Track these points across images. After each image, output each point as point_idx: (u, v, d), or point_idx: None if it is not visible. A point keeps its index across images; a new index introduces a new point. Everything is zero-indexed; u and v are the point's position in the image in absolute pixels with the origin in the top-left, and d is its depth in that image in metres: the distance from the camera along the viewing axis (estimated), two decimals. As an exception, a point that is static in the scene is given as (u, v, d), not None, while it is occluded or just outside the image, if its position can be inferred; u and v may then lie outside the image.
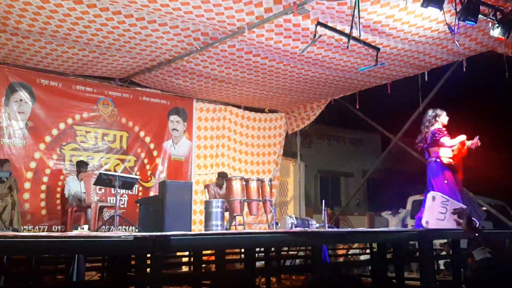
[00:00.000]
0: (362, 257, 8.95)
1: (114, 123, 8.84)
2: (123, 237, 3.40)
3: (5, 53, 7.38)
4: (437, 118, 6.59)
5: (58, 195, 8.06)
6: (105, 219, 7.60)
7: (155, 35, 6.78)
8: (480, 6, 5.59)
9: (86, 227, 6.74)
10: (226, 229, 7.76)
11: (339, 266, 7.11)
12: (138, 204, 7.77)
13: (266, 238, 4.46)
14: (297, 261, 8.52)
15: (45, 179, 7.99)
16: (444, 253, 8.25)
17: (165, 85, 9.10)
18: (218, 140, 10.11)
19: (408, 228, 8.79)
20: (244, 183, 7.89)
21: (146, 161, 9.16)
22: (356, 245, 9.44)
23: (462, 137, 6.45)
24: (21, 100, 7.90)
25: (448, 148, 6.49)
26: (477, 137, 6.35)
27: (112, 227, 6.71)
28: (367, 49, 6.39)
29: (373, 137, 14.66)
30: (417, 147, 6.90)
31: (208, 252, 6.98)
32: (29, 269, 5.62)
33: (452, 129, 6.58)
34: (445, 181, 6.40)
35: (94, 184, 7.21)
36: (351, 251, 9.44)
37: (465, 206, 5.87)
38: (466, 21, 5.55)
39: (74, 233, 6.26)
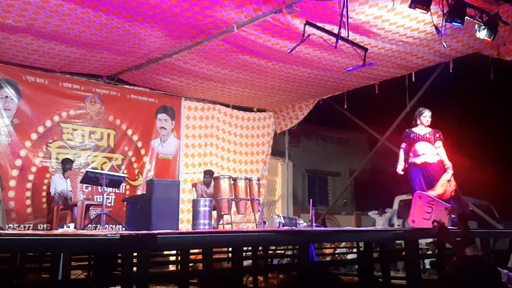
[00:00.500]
0: (349, 256, 9.01)
1: (101, 121, 8.76)
2: (109, 235, 3.38)
3: (-9, 49, 7.28)
4: (417, 119, 6.61)
5: (44, 193, 7.98)
6: (92, 217, 7.54)
7: (143, 33, 6.74)
8: (467, 8, 5.66)
9: (72, 225, 6.69)
10: (214, 228, 7.76)
11: (325, 265, 7.14)
12: (125, 203, 7.74)
13: (253, 237, 4.47)
14: (285, 260, 8.55)
15: (30, 177, 7.90)
16: (430, 252, 8.34)
17: (153, 83, 9.05)
18: (206, 139, 10.08)
19: (394, 227, 8.86)
20: (232, 182, 7.90)
21: (133, 159, 9.10)
22: (343, 244, 9.50)
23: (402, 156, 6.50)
24: (6, 96, 7.80)
25: (415, 149, 6.48)
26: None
27: (98, 225, 6.68)
28: (355, 49, 6.42)
29: (361, 137, 14.71)
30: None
31: (196, 251, 6.97)
32: (14, 267, 5.56)
33: (441, 130, 6.58)
34: (415, 183, 6.42)
35: (80, 182, 7.15)
36: (338, 250, 9.50)
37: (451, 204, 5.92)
38: (453, 23, 5.62)
39: (60, 231, 6.21)
